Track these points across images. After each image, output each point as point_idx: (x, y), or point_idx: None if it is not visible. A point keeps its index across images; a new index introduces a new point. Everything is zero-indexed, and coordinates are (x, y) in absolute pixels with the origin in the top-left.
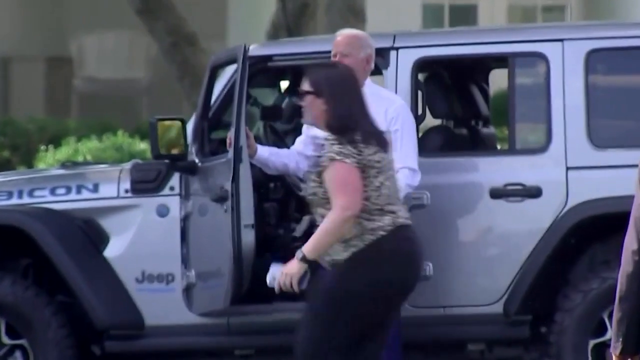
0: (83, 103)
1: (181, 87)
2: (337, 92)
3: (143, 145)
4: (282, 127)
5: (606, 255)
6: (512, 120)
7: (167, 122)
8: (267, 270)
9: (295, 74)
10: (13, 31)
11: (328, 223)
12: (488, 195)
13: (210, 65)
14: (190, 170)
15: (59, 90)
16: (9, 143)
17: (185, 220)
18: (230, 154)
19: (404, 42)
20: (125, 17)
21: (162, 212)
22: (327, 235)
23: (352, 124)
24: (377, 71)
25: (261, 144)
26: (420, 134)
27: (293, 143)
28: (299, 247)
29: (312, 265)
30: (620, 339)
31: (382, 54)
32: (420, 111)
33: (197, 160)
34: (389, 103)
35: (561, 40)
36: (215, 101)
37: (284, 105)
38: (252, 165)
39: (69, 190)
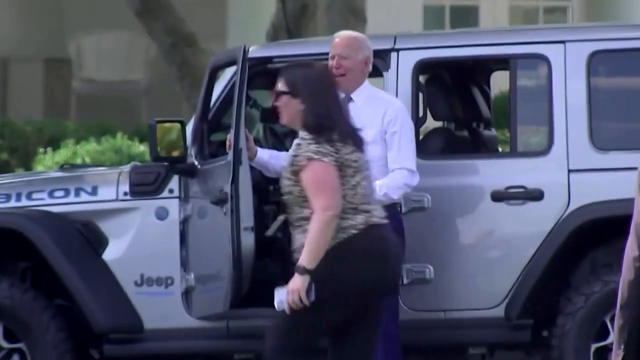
0: (82, 105)
1: (180, 88)
2: (314, 91)
3: (142, 148)
4: (281, 129)
5: (608, 258)
6: (514, 123)
7: (167, 124)
8: (266, 271)
9: None
10: (11, 32)
11: (314, 229)
12: (489, 198)
13: (209, 66)
14: (189, 172)
15: (57, 91)
16: (7, 145)
17: (184, 223)
18: (230, 156)
19: (405, 43)
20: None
21: (161, 214)
22: (317, 240)
23: (329, 123)
24: (377, 73)
25: (261, 146)
26: (421, 136)
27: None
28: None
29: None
30: (622, 347)
31: (383, 56)
32: (421, 113)
33: (196, 163)
34: (387, 105)
35: (563, 42)
36: (214, 103)
37: None
38: (252, 168)
39: (67, 192)
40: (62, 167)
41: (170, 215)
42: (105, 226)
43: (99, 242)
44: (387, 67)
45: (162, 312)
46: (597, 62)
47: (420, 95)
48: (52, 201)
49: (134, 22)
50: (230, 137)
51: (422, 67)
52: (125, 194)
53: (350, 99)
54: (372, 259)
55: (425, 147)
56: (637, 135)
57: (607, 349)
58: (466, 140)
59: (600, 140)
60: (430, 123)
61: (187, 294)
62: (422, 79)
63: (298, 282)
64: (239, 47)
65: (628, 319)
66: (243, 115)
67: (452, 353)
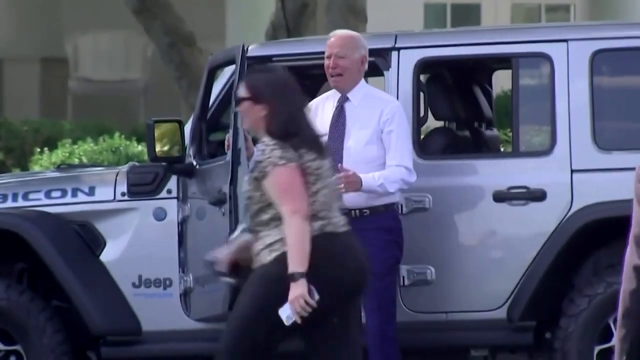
0: (78, 104)
1: (179, 88)
2: (278, 97)
3: (140, 148)
4: None
5: (612, 259)
6: (516, 122)
7: (165, 124)
8: None
9: (295, 75)
10: (7, 31)
11: (290, 234)
12: (491, 198)
13: (208, 66)
14: (187, 172)
15: (54, 91)
16: (3, 145)
17: (182, 223)
18: (229, 156)
19: (406, 42)
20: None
21: (159, 215)
22: (298, 243)
23: (294, 129)
24: (378, 72)
25: None
26: (422, 136)
27: None
28: None
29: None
30: (624, 357)
31: (384, 55)
32: (422, 113)
33: (194, 163)
34: (384, 104)
35: (566, 40)
36: (213, 103)
37: None
38: None
39: (64, 193)
40: (59, 168)
41: (168, 215)
42: (102, 227)
43: (97, 243)
44: (388, 66)
45: (160, 313)
46: (600, 61)
47: (421, 94)
48: (49, 202)
49: (131, 21)
50: (228, 137)
51: (423, 66)
52: (123, 194)
53: (347, 99)
54: (320, 267)
55: (426, 147)
56: None
57: (611, 352)
58: (468, 140)
59: (603, 140)
60: (432, 123)
61: (185, 295)
62: (423, 78)
63: (298, 289)
64: (238, 47)
65: (630, 328)
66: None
67: (453, 355)
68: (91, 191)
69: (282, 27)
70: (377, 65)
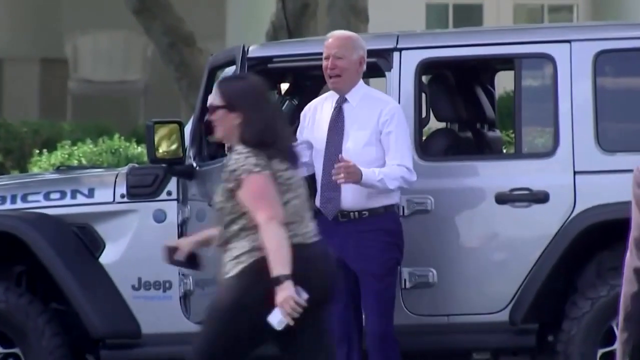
0: (78, 105)
1: (179, 89)
2: (253, 106)
3: (140, 149)
4: None
5: (615, 261)
6: (519, 124)
7: (165, 125)
8: None
9: (296, 75)
10: (6, 31)
11: (269, 240)
12: (494, 200)
13: (208, 66)
14: (187, 174)
15: (53, 92)
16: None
17: (182, 225)
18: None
19: (408, 43)
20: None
21: (159, 217)
22: (278, 247)
23: (269, 138)
24: (379, 73)
25: None
26: (424, 138)
27: None
28: None
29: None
30: None
31: (385, 55)
32: (424, 114)
33: (194, 164)
34: (382, 105)
35: (569, 41)
36: None
37: (284, 107)
38: None
39: (63, 195)
40: (58, 169)
41: (168, 217)
42: (102, 229)
43: (96, 245)
44: (390, 67)
45: (160, 316)
46: (604, 62)
47: (423, 95)
48: (48, 203)
49: (131, 21)
50: None
51: (425, 67)
52: (123, 196)
53: (345, 100)
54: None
55: (428, 149)
56: None
57: (614, 355)
58: (470, 142)
59: (606, 142)
60: (433, 124)
61: (185, 298)
62: (425, 79)
63: (285, 292)
64: (238, 47)
65: (632, 331)
66: None
67: (455, 358)
68: (90, 193)
69: (283, 27)
70: (378, 66)
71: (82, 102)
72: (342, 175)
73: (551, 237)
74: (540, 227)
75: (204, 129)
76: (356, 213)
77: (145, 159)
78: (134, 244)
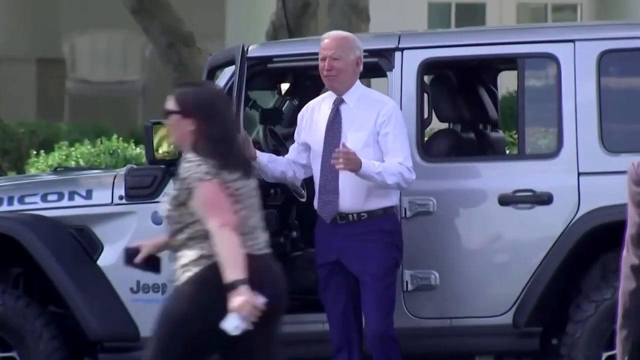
0: (76, 106)
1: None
2: (207, 112)
3: (138, 150)
4: (282, 130)
5: (619, 264)
6: (522, 124)
7: (163, 126)
8: None
9: (296, 75)
10: (3, 31)
11: (222, 247)
12: (496, 201)
13: (207, 66)
14: None
15: (50, 92)
16: None
17: None
18: None
19: (410, 42)
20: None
21: (158, 219)
22: (231, 253)
23: (219, 147)
24: (381, 73)
25: (260, 148)
26: (426, 138)
27: None
28: (297, 256)
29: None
30: (626, 357)
31: (387, 55)
32: (426, 114)
33: None
34: (380, 106)
35: (572, 40)
36: None
37: (284, 108)
38: None
39: (61, 196)
40: (55, 170)
41: None
42: (100, 231)
43: (94, 247)
44: (391, 67)
45: None
46: (608, 62)
47: (425, 95)
48: (45, 205)
49: (129, 21)
50: None
51: (427, 66)
52: (121, 197)
53: (342, 101)
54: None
55: (430, 149)
56: None
57: None
58: (472, 142)
59: (610, 142)
60: (436, 124)
61: None
62: (427, 79)
63: (241, 296)
64: (237, 47)
65: (631, 329)
66: (241, 117)
67: None
68: (88, 194)
69: (283, 27)
70: (380, 66)
71: (79, 102)
72: (341, 161)
73: (555, 239)
74: (543, 228)
75: None
76: (355, 215)
77: (144, 160)
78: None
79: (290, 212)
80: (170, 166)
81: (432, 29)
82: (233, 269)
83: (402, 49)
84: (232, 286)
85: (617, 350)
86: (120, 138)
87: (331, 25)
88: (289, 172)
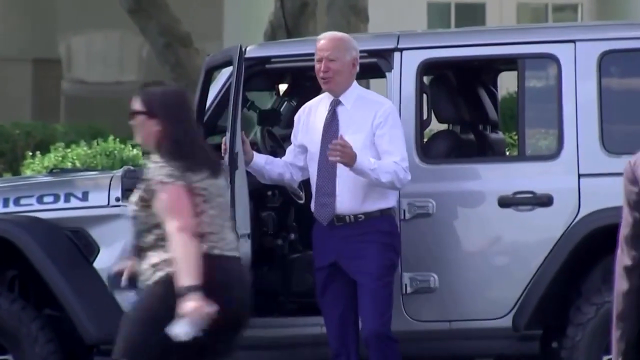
0: (72, 107)
1: None
2: (172, 114)
3: (135, 151)
4: (280, 132)
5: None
6: (522, 125)
7: None
8: (264, 280)
9: (295, 76)
10: None
11: (179, 250)
12: (496, 203)
13: (205, 67)
14: None
15: (46, 93)
16: None
17: None
18: (226, 160)
19: (409, 43)
20: (116, 16)
21: None
22: (187, 258)
23: (185, 147)
24: (380, 74)
25: (258, 149)
26: (425, 140)
27: None
28: (295, 258)
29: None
30: (621, 358)
31: (386, 56)
32: (425, 115)
33: None
34: (377, 107)
35: (573, 41)
36: (210, 105)
37: (282, 109)
38: (249, 173)
39: (57, 198)
40: (51, 172)
41: None
42: (96, 233)
43: (90, 249)
44: (390, 68)
45: None
46: (609, 62)
47: (425, 96)
48: (41, 207)
49: (126, 21)
50: (226, 140)
51: (426, 67)
52: (117, 199)
53: (339, 102)
54: (209, 290)
55: (429, 151)
56: None
57: None
58: (472, 144)
59: (611, 144)
60: (435, 125)
61: None
62: (426, 79)
63: (192, 302)
64: (235, 47)
65: (625, 329)
66: (239, 118)
67: None
68: (84, 196)
69: (282, 27)
70: (379, 66)
71: (75, 103)
72: (337, 153)
73: (555, 241)
74: (544, 231)
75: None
76: (352, 217)
77: (141, 161)
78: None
79: (288, 214)
80: None
81: (431, 29)
82: (187, 275)
83: (401, 50)
84: (184, 291)
85: (613, 351)
86: (117, 139)
87: (330, 26)
88: (286, 174)
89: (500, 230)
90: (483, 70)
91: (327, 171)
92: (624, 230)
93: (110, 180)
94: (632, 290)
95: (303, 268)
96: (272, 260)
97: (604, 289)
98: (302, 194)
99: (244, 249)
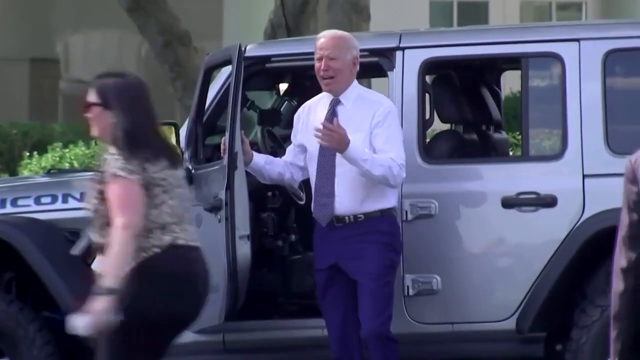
0: (70, 106)
1: (174, 89)
2: (126, 104)
3: None
4: (281, 132)
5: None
6: (526, 125)
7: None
8: (264, 282)
9: (295, 75)
10: None
11: (115, 248)
12: (500, 204)
13: (204, 66)
14: None
15: (44, 92)
16: None
17: None
18: (225, 160)
19: (411, 41)
20: (114, 15)
21: None
22: (119, 259)
23: (141, 139)
24: (382, 73)
25: (258, 149)
26: (427, 140)
27: None
28: (295, 260)
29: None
30: (617, 357)
31: (387, 55)
32: (428, 115)
33: (190, 167)
34: (376, 106)
35: (577, 40)
36: (209, 105)
37: (282, 109)
38: (249, 173)
39: (54, 199)
40: (49, 172)
41: None
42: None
43: (88, 251)
44: (392, 67)
45: None
46: (614, 62)
47: (427, 96)
48: (38, 208)
49: (124, 20)
50: (225, 140)
51: (428, 66)
52: None
53: (339, 102)
54: (172, 281)
55: (432, 151)
56: None
57: None
58: (475, 144)
59: (616, 144)
60: (438, 125)
61: None
62: (428, 79)
63: (103, 303)
64: (234, 46)
65: (621, 329)
66: (238, 118)
67: None
68: (83, 197)
69: (282, 26)
70: (380, 65)
71: (73, 103)
72: (325, 137)
73: (559, 242)
74: (548, 232)
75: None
76: (351, 217)
77: None
78: None
79: (288, 215)
80: None
81: (434, 28)
82: (112, 275)
83: (403, 48)
84: (102, 291)
85: (611, 350)
86: None
87: (331, 24)
88: (286, 174)
89: (504, 231)
90: (486, 70)
91: (326, 171)
92: (622, 231)
93: None
94: (627, 291)
95: (303, 269)
96: (272, 261)
97: (609, 291)
98: (303, 195)
99: (243, 250)
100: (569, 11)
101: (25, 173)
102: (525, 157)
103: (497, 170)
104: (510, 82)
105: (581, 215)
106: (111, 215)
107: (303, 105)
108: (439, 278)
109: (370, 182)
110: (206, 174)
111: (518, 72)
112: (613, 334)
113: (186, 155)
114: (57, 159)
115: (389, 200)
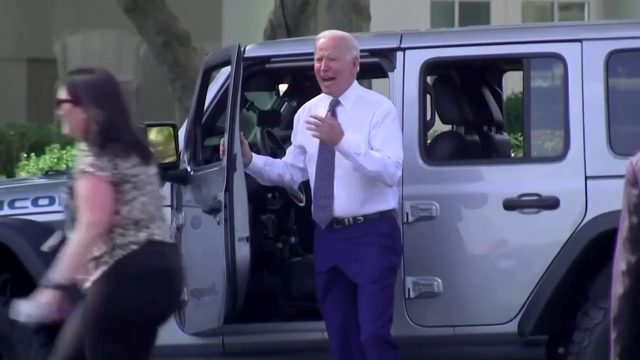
0: None
1: (172, 90)
2: (97, 99)
3: None
4: (280, 133)
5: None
6: (527, 126)
7: (158, 128)
8: (263, 284)
9: (295, 76)
10: None
11: (75, 245)
12: (501, 206)
13: (203, 66)
14: (182, 179)
15: (41, 93)
16: None
17: (177, 233)
18: (224, 162)
19: (412, 42)
20: (113, 15)
21: None
22: (75, 255)
23: (113, 135)
24: (382, 74)
25: (258, 151)
26: (429, 141)
27: None
28: (295, 262)
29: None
30: (617, 359)
31: (388, 55)
32: (429, 116)
33: (189, 169)
34: (375, 107)
35: (580, 40)
36: (208, 105)
37: (282, 110)
38: (248, 174)
39: (52, 201)
40: (46, 174)
41: None
42: None
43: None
44: (393, 68)
45: None
46: (616, 62)
47: (428, 97)
48: (35, 210)
49: (123, 20)
50: (224, 141)
51: (429, 67)
52: None
53: (339, 103)
54: (149, 277)
55: (433, 153)
56: None
57: None
58: (477, 145)
59: (619, 145)
60: (439, 127)
61: (179, 308)
62: (430, 79)
63: (49, 296)
64: (234, 46)
65: (620, 331)
66: (237, 119)
67: None
68: None
69: (282, 26)
70: (381, 66)
71: None
72: (312, 127)
73: (562, 244)
74: (550, 234)
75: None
76: (351, 219)
77: None
78: None
79: (288, 217)
80: (165, 169)
81: (435, 28)
82: (65, 270)
83: (404, 49)
84: (51, 284)
85: (611, 351)
86: None
87: (331, 24)
88: (285, 176)
89: (506, 233)
90: (488, 70)
91: (325, 173)
92: (622, 234)
93: None
94: (626, 294)
95: (303, 272)
96: (271, 263)
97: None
98: (303, 196)
99: (242, 253)
100: (571, 11)
101: (23, 174)
102: (527, 159)
103: (498, 171)
104: (512, 82)
105: (584, 217)
106: (79, 213)
107: (303, 106)
108: (440, 280)
109: (368, 181)
110: (205, 176)
111: (520, 73)
112: (613, 335)
113: (185, 157)
114: (55, 160)
115: (388, 202)
